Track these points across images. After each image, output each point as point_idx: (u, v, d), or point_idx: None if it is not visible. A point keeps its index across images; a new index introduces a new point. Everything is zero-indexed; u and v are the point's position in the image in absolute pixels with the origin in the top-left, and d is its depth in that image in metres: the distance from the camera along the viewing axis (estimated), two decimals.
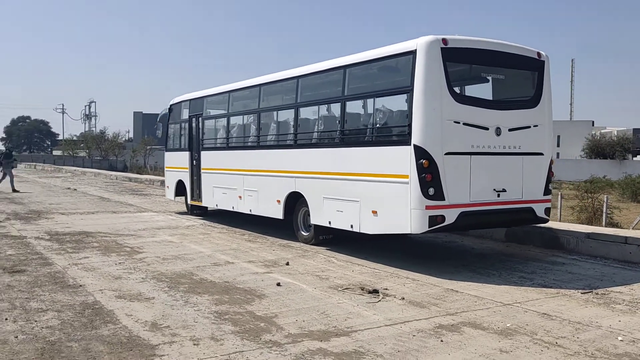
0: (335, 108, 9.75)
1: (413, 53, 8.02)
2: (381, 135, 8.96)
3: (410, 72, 8.03)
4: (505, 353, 4.93)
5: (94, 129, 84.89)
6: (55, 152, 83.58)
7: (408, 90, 8.07)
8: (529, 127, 8.83)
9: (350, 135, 9.53)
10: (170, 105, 16.05)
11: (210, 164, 13.73)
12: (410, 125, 8.01)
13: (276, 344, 5.08)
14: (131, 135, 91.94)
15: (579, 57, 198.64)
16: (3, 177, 23.70)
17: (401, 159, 8.10)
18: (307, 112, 10.66)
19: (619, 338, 5.36)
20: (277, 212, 11.05)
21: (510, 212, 8.70)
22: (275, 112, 11.67)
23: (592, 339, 5.31)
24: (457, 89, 8.97)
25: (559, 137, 73.04)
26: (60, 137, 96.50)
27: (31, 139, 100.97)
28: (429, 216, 7.87)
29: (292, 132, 10.87)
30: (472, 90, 9.51)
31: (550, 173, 9.15)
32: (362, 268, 8.47)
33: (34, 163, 61.18)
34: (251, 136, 12.28)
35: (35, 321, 5.65)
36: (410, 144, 7.97)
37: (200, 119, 14.27)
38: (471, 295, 6.91)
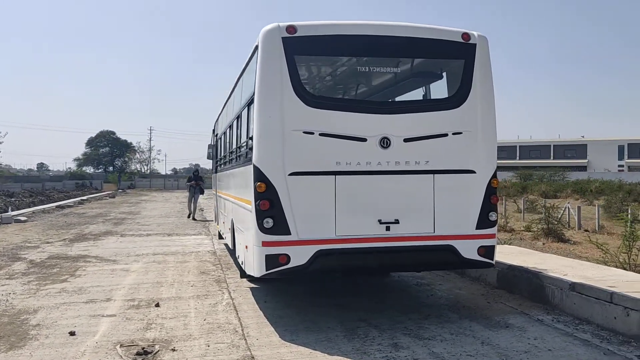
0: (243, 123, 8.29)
1: (257, 49, 6.36)
2: (245, 153, 7.32)
3: (254, 73, 6.37)
4: None
5: None
6: None
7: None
8: (445, 135, 6.44)
9: (239, 153, 8.01)
10: (213, 127, 15.73)
11: (216, 186, 13.00)
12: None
13: None
14: None
15: None
16: (191, 201, 21.99)
17: (248, 181, 6.44)
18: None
19: None
20: (229, 241, 9.82)
21: (411, 252, 6.37)
22: (228, 131, 10.47)
23: None
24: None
25: None
26: None
27: None
28: (266, 255, 6.06)
29: (228, 151, 9.63)
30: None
31: (491, 198, 6.56)
32: (226, 317, 6.88)
33: None
34: (220, 157, 11.28)
35: None
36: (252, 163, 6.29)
37: (217, 140, 13.66)
38: None
